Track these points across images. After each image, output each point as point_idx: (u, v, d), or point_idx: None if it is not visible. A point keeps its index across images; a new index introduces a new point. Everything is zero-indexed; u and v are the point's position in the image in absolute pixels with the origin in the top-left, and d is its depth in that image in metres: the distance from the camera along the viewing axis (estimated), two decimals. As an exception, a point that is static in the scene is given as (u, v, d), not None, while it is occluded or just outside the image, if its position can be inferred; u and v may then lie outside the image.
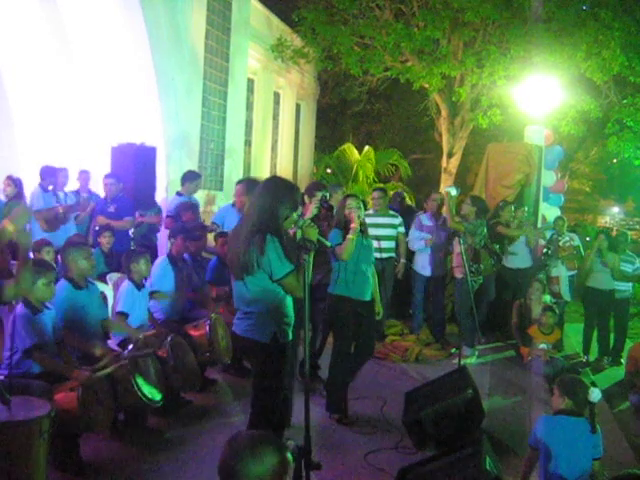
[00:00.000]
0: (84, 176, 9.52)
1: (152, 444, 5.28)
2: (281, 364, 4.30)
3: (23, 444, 3.83)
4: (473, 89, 16.66)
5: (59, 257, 6.86)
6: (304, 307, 3.88)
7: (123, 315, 6.02)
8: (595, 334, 9.30)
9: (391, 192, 11.62)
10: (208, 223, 9.12)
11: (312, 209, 6.42)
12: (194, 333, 6.22)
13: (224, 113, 14.18)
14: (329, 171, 20.38)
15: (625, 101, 16.30)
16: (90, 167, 9.76)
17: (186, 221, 8.56)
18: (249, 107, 16.58)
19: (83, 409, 4.39)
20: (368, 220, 8.48)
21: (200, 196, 10.35)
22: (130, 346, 5.29)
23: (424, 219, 9.29)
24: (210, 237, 8.81)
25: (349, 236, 5.95)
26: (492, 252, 8.91)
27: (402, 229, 9.14)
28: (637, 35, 14.89)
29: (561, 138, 15.83)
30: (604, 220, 43.18)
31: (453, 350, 8.59)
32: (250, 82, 16.56)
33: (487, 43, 15.67)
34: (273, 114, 19.07)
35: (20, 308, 4.89)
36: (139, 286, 6.27)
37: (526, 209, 9.86)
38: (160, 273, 6.85)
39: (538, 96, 12.08)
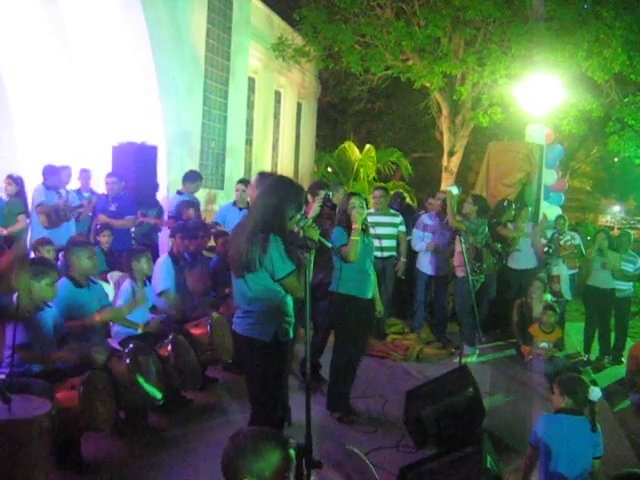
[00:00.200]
0: (85, 175, 9.52)
1: (153, 443, 5.29)
2: (282, 363, 4.31)
3: (24, 443, 3.82)
4: (474, 88, 16.66)
5: (60, 255, 6.88)
6: (304, 306, 3.88)
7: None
8: (596, 333, 9.30)
9: (392, 192, 11.60)
10: (209, 222, 9.14)
11: (315, 208, 6.44)
12: (195, 332, 6.21)
13: (225, 112, 14.18)
14: (330, 170, 20.38)
15: (626, 100, 16.29)
16: (91, 166, 9.76)
17: (186, 220, 8.56)
18: (250, 106, 16.58)
19: (84, 408, 4.39)
20: (369, 219, 8.51)
21: (201, 195, 10.35)
22: (131, 344, 5.29)
23: (426, 219, 9.31)
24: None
25: (352, 237, 5.95)
26: (494, 251, 8.91)
27: (403, 228, 9.15)
28: (638, 34, 14.87)
29: (562, 137, 15.84)
30: (605, 219, 43.16)
31: (454, 349, 8.59)
32: (251, 81, 16.56)
33: (488, 42, 15.68)
34: (274, 113, 19.07)
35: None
36: (139, 285, 6.28)
37: (530, 209, 9.86)
38: (164, 271, 6.86)
39: (539, 95, 12.08)
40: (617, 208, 45.03)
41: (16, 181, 8.39)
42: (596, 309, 9.22)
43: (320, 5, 16.51)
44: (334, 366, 6.21)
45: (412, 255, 9.41)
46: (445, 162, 18.27)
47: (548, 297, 9.09)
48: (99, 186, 9.48)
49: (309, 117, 22.14)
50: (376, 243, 8.57)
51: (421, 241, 9.19)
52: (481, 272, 8.51)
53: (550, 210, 11.25)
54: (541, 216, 10.76)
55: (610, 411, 7.26)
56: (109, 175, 9.12)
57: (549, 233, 9.91)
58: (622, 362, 8.93)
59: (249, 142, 16.74)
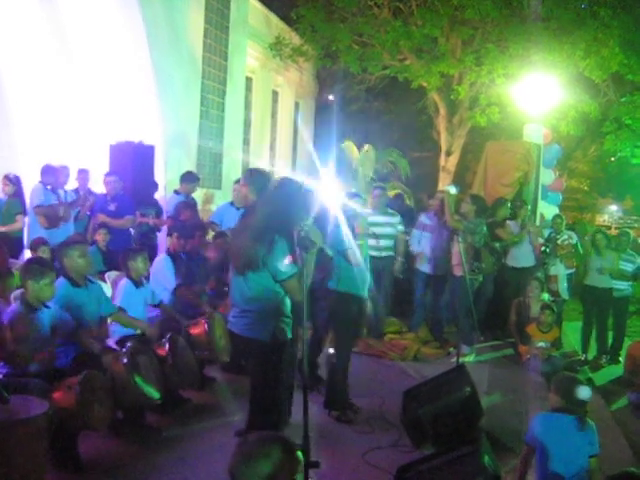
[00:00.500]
0: (83, 175, 9.51)
1: (151, 442, 5.28)
2: (280, 362, 4.31)
3: (21, 443, 3.82)
4: (472, 87, 16.67)
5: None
6: (301, 305, 3.89)
7: (121, 310, 6.04)
8: (593, 332, 9.31)
9: (391, 191, 11.61)
10: (206, 221, 9.15)
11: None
12: (193, 331, 6.20)
13: (222, 111, 14.18)
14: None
15: (623, 99, 16.32)
16: (89, 165, 9.76)
17: (184, 220, 8.56)
18: (247, 106, 16.58)
19: (81, 407, 4.38)
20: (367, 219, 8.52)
21: (198, 195, 10.36)
22: (128, 344, 5.29)
23: (424, 218, 9.32)
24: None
25: (358, 242, 6.00)
26: (493, 251, 8.91)
27: (401, 227, 9.16)
28: (635, 33, 14.89)
29: (559, 137, 15.83)
30: (602, 218, 43.16)
31: (451, 349, 8.59)
32: (248, 80, 16.56)
33: (486, 41, 15.69)
34: (271, 112, 19.06)
35: (14, 306, 4.89)
36: (137, 284, 6.29)
37: (529, 207, 9.86)
38: (165, 270, 6.89)
39: (537, 94, 12.09)
40: (614, 207, 45.04)
41: (13, 181, 8.37)
42: (594, 309, 9.23)
43: (318, 4, 16.52)
44: (335, 364, 6.22)
45: (411, 255, 9.41)
46: (443, 162, 18.28)
47: (545, 297, 9.09)
48: (97, 186, 9.48)
49: (307, 116, 22.13)
50: (374, 243, 8.60)
51: (418, 242, 9.21)
52: (479, 272, 8.51)
53: (548, 210, 11.26)
54: (539, 216, 10.77)
55: (607, 410, 7.27)
56: (108, 174, 9.12)
57: (546, 233, 9.92)
58: (619, 361, 8.95)
59: (246, 142, 16.74)
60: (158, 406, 5.41)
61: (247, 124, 16.63)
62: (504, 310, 9.30)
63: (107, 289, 6.74)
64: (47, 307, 5.05)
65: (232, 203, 9.14)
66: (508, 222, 9.42)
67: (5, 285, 5.74)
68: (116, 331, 6.08)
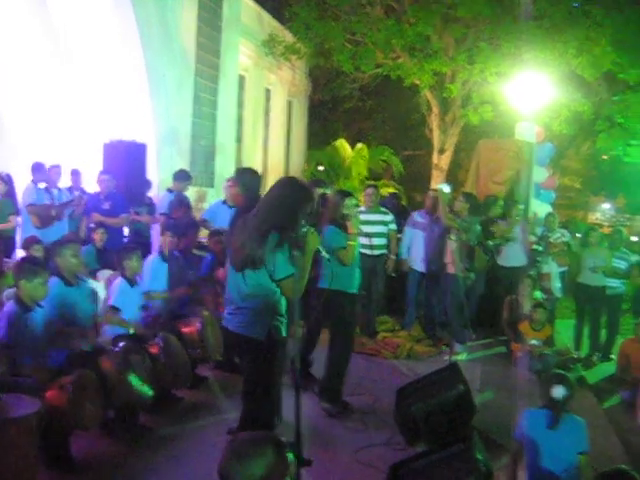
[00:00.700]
0: (75, 175, 9.50)
1: (143, 441, 5.27)
2: (275, 361, 4.30)
3: (13, 442, 3.82)
4: (464, 86, 16.69)
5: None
6: (294, 303, 3.89)
7: (115, 309, 6.02)
8: (586, 330, 9.33)
9: (385, 189, 11.61)
10: (199, 219, 9.15)
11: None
12: (185, 330, 6.20)
13: (215, 110, 14.16)
14: (321, 168, 20.35)
15: (615, 98, 16.36)
16: (82, 164, 9.76)
17: (177, 218, 8.56)
18: (240, 104, 16.56)
19: (74, 406, 4.38)
20: (360, 217, 8.52)
21: (190, 193, 10.34)
22: (121, 343, 5.28)
23: (417, 216, 9.33)
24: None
25: (350, 243, 6.00)
26: (486, 249, 8.92)
27: (393, 226, 9.16)
28: (627, 32, 14.93)
29: (552, 135, 15.86)
30: (595, 217, 43.27)
31: (444, 347, 8.60)
32: (241, 79, 16.53)
33: (478, 40, 15.71)
34: (264, 111, 19.05)
35: (9, 305, 4.88)
36: (132, 282, 6.27)
37: (521, 206, 9.87)
38: (152, 271, 6.85)
39: (529, 93, 12.11)
40: (607, 206, 45.17)
41: (5, 180, 8.35)
42: (587, 306, 9.25)
43: (311, 3, 16.50)
44: (330, 360, 6.25)
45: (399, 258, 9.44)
46: (435, 160, 18.28)
47: (538, 294, 9.11)
48: (90, 184, 9.46)
49: (300, 115, 22.13)
50: (366, 241, 8.60)
51: (410, 240, 9.25)
52: (472, 270, 8.52)
53: (540, 208, 11.27)
54: (531, 214, 10.78)
55: (600, 408, 7.29)
56: (102, 173, 9.11)
57: (539, 231, 9.94)
58: (612, 359, 8.96)
59: (239, 140, 16.72)
60: (151, 405, 5.41)
61: (240, 122, 16.62)
62: (496, 308, 9.32)
63: (100, 288, 6.73)
64: (40, 307, 5.03)
65: (224, 201, 9.13)
66: (500, 221, 9.42)
67: (-2, 284, 5.73)
68: (109, 330, 6.07)
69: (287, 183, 4.43)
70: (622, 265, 9.20)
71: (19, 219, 8.41)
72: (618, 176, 27.96)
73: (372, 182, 15.92)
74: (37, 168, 8.47)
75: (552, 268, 9.47)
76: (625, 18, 14.96)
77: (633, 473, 3.33)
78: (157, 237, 9.24)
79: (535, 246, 9.61)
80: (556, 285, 9.50)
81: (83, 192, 9.36)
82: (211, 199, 11.88)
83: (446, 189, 8.86)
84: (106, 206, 8.81)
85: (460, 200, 8.76)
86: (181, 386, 5.99)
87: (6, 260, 7.19)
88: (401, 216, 9.71)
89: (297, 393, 3.69)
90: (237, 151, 16.41)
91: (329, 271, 6.08)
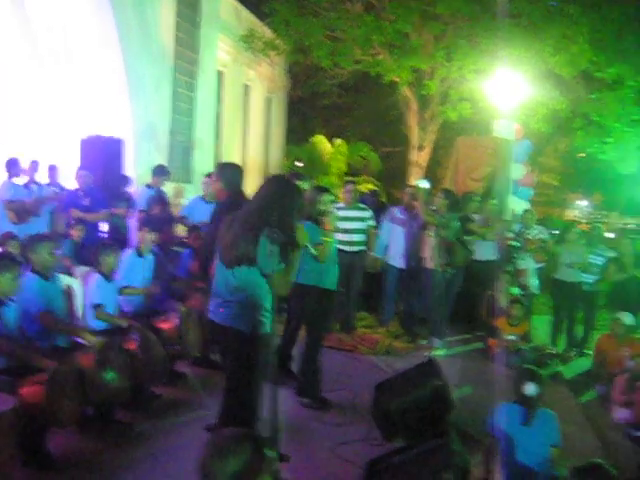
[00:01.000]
0: (52, 171, 9.43)
1: (120, 438, 5.25)
2: (258, 356, 4.29)
3: (-13, 439, 3.79)
4: (443, 83, 16.75)
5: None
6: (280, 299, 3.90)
7: (100, 307, 5.99)
8: (562, 326, 9.40)
9: (364, 186, 11.62)
10: (176, 215, 9.12)
11: None
12: (163, 326, 6.18)
13: (193, 106, 14.10)
14: (300, 164, 20.34)
15: (592, 96, 16.48)
16: (59, 160, 9.68)
17: (155, 214, 8.53)
18: (219, 100, 16.52)
19: (50, 403, 4.35)
20: (338, 213, 8.53)
21: (168, 189, 10.30)
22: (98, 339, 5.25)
23: (397, 212, 9.34)
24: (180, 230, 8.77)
25: (326, 239, 5.99)
26: (464, 245, 8.96)
27: (372, 222, 9.16)
28: (604, 32, 15.05)
29: (530, 133, 15.95)
30: (572, 213, 43.62)
31: (422, 342, 8.63)
32: (220, 75, 16.48)
33: (457, 37, 15.75)
34: (243, 107, 19.00)
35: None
36: (109, 279, 6.23)
37: (495, 202, 9.92)
38: (127, 267, 6.81)
39: (507, 90, 12.17)
40: (584, 203, 45.57)
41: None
42: (563, 302, 9.32)
43: (291, -2, 16.47)
44: (305, 356, 6.29)
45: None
46: (414, 157, 18.34)
47: (515, 290, 9.17)
48: (68, 180, 9.40)
49: (278, 111, 22.10)
50: (345, 237, 8.61)
51: (388, 235, 9.25)
52: (451, 265, 8.56)
53: (518, 204, 11.34)
54: (509, 210, 10.85)
55: (576, 403, 7.36)
56: (81, 168, 9.05)
57: (516, 227, 10.00)
58: (588, 354, 9.04)
59: (218, 136, 16.67)
60: (128, 402, 5.39)
61: (218, 118, 16.57)
62: (471, 304, 9.38)
63: (76, 284, 6.68)
64: (12, 301, 4.99)
65: (202, 197, 9.11)
66: (475, 216, 9.47)
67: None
68: (90, 326, 6.03)
69: (279, 182, 4.43)
70: (599, 261, 9.29)
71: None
72: (595, 174, 28.21)
73: (351, 178, 15.93)
74: (12, 164, 8.41)
75: (529, 264, 9.53)
76: (602, 18, 15.08)
77: (608, 467, 3.37)
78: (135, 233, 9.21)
79: (512, 242, 9.67)
80: (533, 281, 9.57)
81: (61, 188, 9.29)
82: (189, 195, 11.82)
83: (425, 185, 8.89)
84: (85, 202, 8.75)
85: (439, 196, 8.80)
86: (159, 382, 5.97)
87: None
88: (380, 212, 9.72)
89: (275, 388, 3.70)
90: (215, 147, 16.36)
91: (302, 266, 6.08)
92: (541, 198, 30.26)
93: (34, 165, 8.79)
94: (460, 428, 5.30)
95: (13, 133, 10.39)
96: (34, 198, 8.41)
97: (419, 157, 18.18)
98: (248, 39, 17.02)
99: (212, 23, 14.71)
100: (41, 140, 10.60)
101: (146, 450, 5.09)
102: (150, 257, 7.05)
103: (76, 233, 8.07)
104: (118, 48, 10.92)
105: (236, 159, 17.96)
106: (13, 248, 6.73)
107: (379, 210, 10.01)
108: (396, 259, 9.24)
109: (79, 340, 5.70)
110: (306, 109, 25.42)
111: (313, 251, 4.98)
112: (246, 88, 19.20)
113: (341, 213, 8.71)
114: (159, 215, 8.48)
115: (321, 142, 20.05)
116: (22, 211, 8.19)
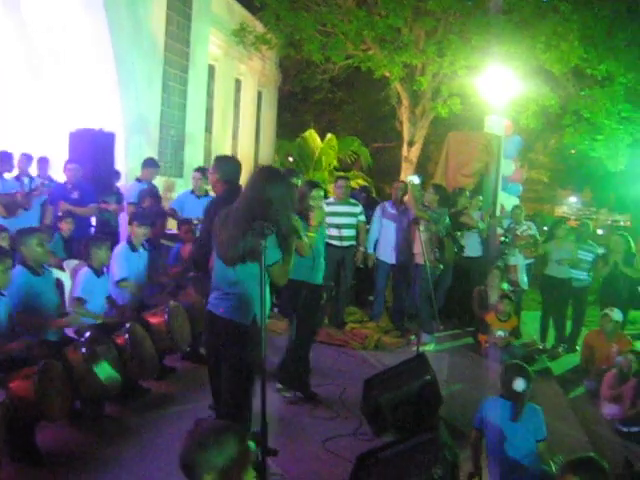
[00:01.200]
0: (43, 163, 9.39)
1: (110, 432, 5.24)
2: (258, 347, 4.27)
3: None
4: (434, 78, 16.73)
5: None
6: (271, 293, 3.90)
7: (80, 301, 5.96)
8: (551, 322, 9.44)
9: (355, 181, 11.61)
10: (167, 209, 9.10)
11: None
12: (153, 320, 6.17)
13: (184, 99, 14.06)
14: (291, 159, 20.33)
15: (582, 93, 16.50)
16: (48, 153, 9.63)
17: (146, 207, 8.51)
18: (210, 94, 16.46)
19: (39, 397, 4.33)
20: (329, 208, 8.53)
21: (159, 183, 10.28)
22: (87, 333, 5.24)
23: (388, 206, 9.34)
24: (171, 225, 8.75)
25: (310, 234, 5.98)
26: (455, 240, 8.99)
27: (363, 217, 9.17)
28: (595, 29, 15.07)
29: (520, 129, 15.97)
30: (562, 210, 43.77)
31: (412, 337, 8.65)
32: (211, 68, 16.44)
33: (448, 32, 15.73)
34: (234, 101, 18.95)
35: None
36: (98, 273, 6.22)
37: (481, 197, 9.94)
38: (122, 260, 6.81)
39: (498, 86, 12.16)
40: (573, 199, 45.74)
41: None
42: (553, 298, 9.35)
43: (282, -8, 16.41)
44: (290, 346, 6.32)
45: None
46: (405, 152, 18.31)
47: (505, 286, 9.20)
48: (57, 173, 9.36)
49: (270, 106, 22.06)
50: (336, 233, 8.62)
51: (379, 230, 9.25)
52: (442, 261, 8.57)
53: (508, 200, 11.36)
54: (499, 206, 10.87)
55: (565, 398, 7.39)
56: (69, 162, 9.00)
57: (506, 223, 10.02)
58: (576, 350, 9.09)
59: (208, 130, 16.62)
60: (117, 396, 5.38)
61: (209, 112, 16.52)
62: (460, 299, 9.41)
63: (66, 278, 6.67)
64: (2, 295, 4.97)
65: (192, 191, 9.09)
66: (475, 213, 9.52)
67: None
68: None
69: (269, 173, 4.40)
70: (589, 257, 9.34)
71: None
72: (585, 170, 28.27)
73: (342, 174, 15.92)
74: (2, 157, 8.37)
75: (519, 260, 9.56)
76: (593, 15, 15.11)
77: (601, 461, 3.37)
78: (124, 227, 9.18)
79: (502, 238, 9.71)
80: (522, 277, 9.60)
81: (51, 180, 9.25)
82: (180, 189, 11.82)
83: (416, 180, 8.89)
84: (74, 195, 8.71)
85: (430, 192, 8.81)
86: (148, 377, 5.96)
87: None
88: (371, 208, 9.72)
89: (263, 382, 3.70)
90: (206, 141, 16.32)
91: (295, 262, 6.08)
92: (530, 194, 30.36)
93: (27, 158, 8.74)
94: (449, 423, 5.33)
95: (4, 126, 10.33)
96: (25, 191, 8.37)
97: (410, 153, 18.16)
98: (239, 33, 16.95)
99: (203, 16, 14.66)
100: (32, 133, 10.55)
101: (136, 444, 5.09)
102: (143, 251, 7.05)
103: (65, 226, 8.04)
104: (109, 41, 10.86)
105: (227, 153, 17.92)
106: (3, 241, 6.69)
107: (369, 205, 10.02)
108: (386, 254, 9.24)
109: (70, 334, 5.70)
110: (297, 104, 25.39)
111: (306, 240, 4.99)
112: (237, 82, 19.15)
113: (332, 208, 8.72)
114: (150, 209, 8.46)
115: (311, 137, 20.03)
116: (12, 204, 8.14)
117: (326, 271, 6.60)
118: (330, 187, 14.41)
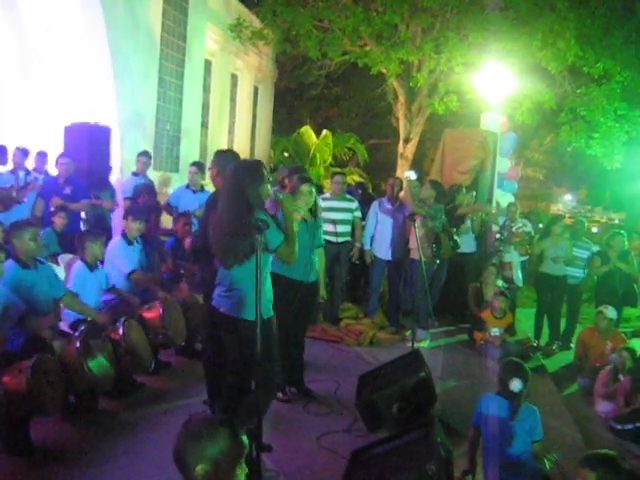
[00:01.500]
0: (40, 157, 9.35)
1: (104, 427, 5.23)
2: (265, 339, 4.26)
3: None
4: (431, 75, 16.72)
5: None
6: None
7: (72, 294, 5.94)
8: (546, 319, 9.45)
9: (351, 177, 11.59)
10: (162, 204, 9.08)
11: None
12: (147, 315, 6.16)
13: (180, 94, 14.01)
14: (286, 154, 20.32)
15: (579, 91, 16.54)
16: (44, 147, 9.59)
17: (142, 202, 8.50)
18: (206, 89, 16.42)
19: (32, 392, 4.32)
20: (325, 204, 8.53)
21: (155, 177, 10.27)
22: (82, 327, 5.22)
23: (384, 203, 9.31)
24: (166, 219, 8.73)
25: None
26: (450, 236, 8.98)
27: (358, 213, 9.17)
28: (591, 27, 15.10)
29: (516, 126, 15.99)
30: (557, 207, 43.92)
31: (407, 333, 8.65)
32: (207, 63, 16.38)
33: (445, 29, 15.72)
34: (230, 96, 18.91)
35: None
36: (92, 267, 6.20)
37: (474, 194, 9.94)
38: (124, 253, 6.80)
39: (494, 83, 12.18)
40: (569, 197, 45.89)
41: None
42: (548, 296, 9.36)
43: (279, -13, 16.38)
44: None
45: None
46: (401, 149, 18.31)
47: (499, 283, 9.22)
48: (51, 167, 9.33)
49: (266, 101, 22.02)
50: (331, 228, 8.61)
51: (374, 226, 9.22)
52: (438, 256, 8.57)
53: (503, 198, 11.38)
54: (494, 203, 10.88)
55: (559, 395, 7.40)
56: (62, 156, 8.96)
57: (501, 220, 10.03)
58: (571, 347, 9.11)
59: (204, 125, 16.58)
60: (112, 391, 5.37)
61: (205, 107, 16.48)
62: (455, 295, 9.42)
63: (60, 272, 6.64)
64: (-3, 287, 4.96)
65: (188, 186, 9.08)
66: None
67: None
68: (69, 314, 6.00)
69: (232, 170, 4.47)
70: (584, 255, 9.36)
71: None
72: (580, 168, 28.36)
73: (339, 169, 15.92)
74: None
75: (514, 257, 9.57)
76: (590, 13, 15.14)
77: (622, 463, 3.34)
78: (117, 222, 9.16)
79: (497, 235, 9.71)
80: (517, 274, 9.62)
81: (47, 174, 9.22)
82: (175, 184, 11.78)
83: (413, 176, 8.88)
84: (67, 191, 8.67)
85: (427, 187, 8.79)
86: (142, 371, 5.95)
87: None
88: (367, 204, 9.71)
89: (257, 379, 3.70)
90: (202, 136, 16.28)
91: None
92: (526, 192, 30.44)
93: (23, 152, 8.72)
94: (444, 420, 5.33)
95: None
96: (19, 185, 8.35)
97: (406, 149, 18.15)
98: (236, 28, 16.92)
99: (200, 11, 14.61)
100: (27, 127, 10.52)
101: (130, 438, 5.08)
102: (138, 245, 7.03)
103: (59, 221, 8.02)
104: (105, 35, 10.81)
105: (223, 148, 17.86)
106: (-4, 234, 6.67)
107: (365, 201, 10.01)
108: (382, 251, 9.23)
109: (64, 329, 5.68)
110: (293, 99, 25.36)
111: (302, 214, 5.04)
112: (233, 77, 19.10)
113: (328, 204, 8.72)
114: (146, 203, 8.44)
115: (307, 133, 20.01)
116: (6, 198, 8.12)
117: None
118: (326, 183, 14.41)
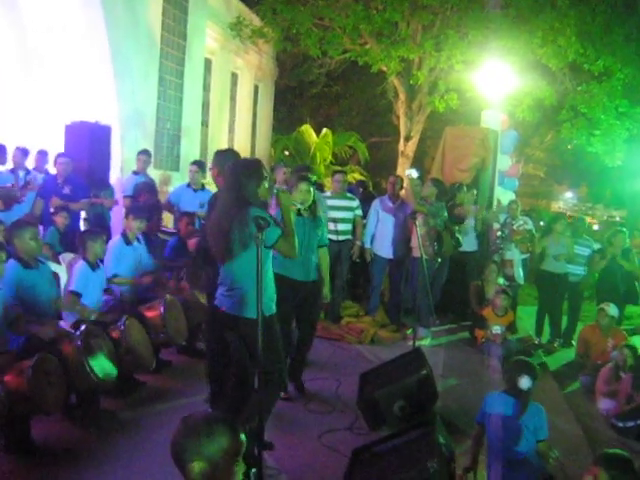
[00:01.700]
0: (41, 156, 9.35)
1: (105, 426, 5.22)
2: (268, 336, 4.26)
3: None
4: (431, 73, 16.70)
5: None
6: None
7: (75, 295, 5.93)
8: (547, 317, 9.45)
9: (351, 175, 11.59)
10: (163, 203, 9.08)
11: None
12: (148, 314, 6.16)
13: (181, 93, 14.00)
14: (287, 153, 20.31)
15: (580, 88, 16.52)
16: (44, 145, 9.60)
17: (142, 201, 8.49)
18: (206, 87, 16.40)
19: (34, 391, 4.31)
20: (326, 202, 8.51)
21: (155, 176, 10.25)
22: (83, 327, 5.22)
23: (385, 201, 9.30)
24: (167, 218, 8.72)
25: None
26: (452, 234, 8.97)
27: (359, 212, 9.17)
28: (592, 24, 15.09)
29: (517, 123, 15.98)
30: (558, 205, 43.88)
31: (408, 332, 8.64)
32: (208, 62, 16.37)
33: (446, 27, 15.69)
34: (230, 95, 18.89)
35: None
36: (93, 266, 6.20)
37: (475, 192, 9.93)
38: (116, 254, 6.78)
39: (495, 81, 12.17)
40: (569, 195, 45.84)
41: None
42: (549, 293, 9.35)
43: (279, -14, 16.36)
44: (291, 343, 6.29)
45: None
46: (401, 147, 18.29)
47: (501, 281, 9.21)
48: (52, 166, 9.33)
49: (266, 100, 22.00)
50: (332, 227, 8.60)
51: (375, 225, 9.21)
52: (440, 254, 8.56)
53: (504, 195, 11.37)
54: (495, 201, 10.88)
55: (560, 393, 7.40)
56: (61, 155, 8.96)
57: (502, 218, 10.02)
58: (572, 345, 9.10)
59: (205, 124, 16.57)
60: (113, 390, 5.37)
61: (206, 106, 16.47)
62: (456, 293, 9.42)
63: (61, 271, 6.64)
64: (-1, 287, 4.96)
65: (189, 185, 9.08)
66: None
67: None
68: (70, 314, 6.00)
69: (231, 168, 4.49)
70: (585, 252, 9.36)
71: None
72: (581, 166, 28.33)
73: (339, 168, 15.90)
74: None
75: (515, 255, 9.56)
76: (590, 10, 15.12)
77: (634, 464, 3.34)
78: (117, 221, 9.15)
79: (498, 233, 9.70)
80: (518, 271, 9.61)
81: (47, 174, 9.22)
82: (176, 182, 11.78)
83: (414, 174, 8.88)
84: (66, 190, 8.67)
85: (428, 185, 8.79)
86: (144, 371, 5.94)
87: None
88: (368, 203, 9.71)
89: (259, 377, 3.70)
90: (203, 135, 16.27)
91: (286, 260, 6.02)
92: (527, 189, 30.41)
93: (23, 152, 8.72)
94: (445, 417, 5.33)
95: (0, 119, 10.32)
96: (19, 184, 8.35)
97: (406, 147, 18.13)
98: (236, 26, 16.90)
99: (200, 9, 14.59)
100: (28, 126, 10.51)
101: (131, 437, 5.08)
102: (138, 245, 7.02)
103: (60, 220, 8.01)
104: (105, 34, 10.80)
105: (223, 147, 17.86)
106: (-1, 234, 6.67)
107: (366, 200, 10.00)
108: (383, 249, 9.22)
109: (65, 327, 5.67)
110: (294, 98, 25.34)
111: (299, 206, 5.06)
112: (234, 76, 19.09)
113: (329, 202, 8.71)
114: (147, 202, 8.43)
115: (307, 132, 20.00)
116: (7, 198, 8.12)
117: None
118: (326, 181, 14.40)
